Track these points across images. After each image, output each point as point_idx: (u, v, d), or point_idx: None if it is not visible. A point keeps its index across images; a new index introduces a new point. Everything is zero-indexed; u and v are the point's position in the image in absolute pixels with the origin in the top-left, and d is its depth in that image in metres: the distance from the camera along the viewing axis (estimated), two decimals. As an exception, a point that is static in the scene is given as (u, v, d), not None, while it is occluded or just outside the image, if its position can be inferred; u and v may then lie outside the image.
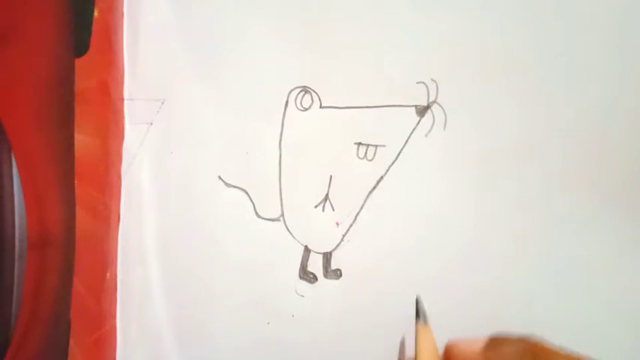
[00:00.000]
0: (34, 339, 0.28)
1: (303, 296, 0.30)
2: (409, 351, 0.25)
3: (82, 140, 0.29)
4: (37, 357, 0.28)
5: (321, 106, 0.29)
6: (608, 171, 0.28)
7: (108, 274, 0.30)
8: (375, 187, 0.29)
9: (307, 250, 0.30)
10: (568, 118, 0.28)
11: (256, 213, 0.30)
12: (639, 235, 0.28)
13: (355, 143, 0.29)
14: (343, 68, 0.29)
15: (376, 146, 0.29)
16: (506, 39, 0.28)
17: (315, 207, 0.30)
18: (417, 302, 0.24)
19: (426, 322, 0.23)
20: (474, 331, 0.22)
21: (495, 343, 0.21)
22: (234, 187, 0.30)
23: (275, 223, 0.30)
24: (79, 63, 0.29)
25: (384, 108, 0.29)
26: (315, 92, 0.29)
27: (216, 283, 0.30)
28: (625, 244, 0.28)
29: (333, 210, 0.30)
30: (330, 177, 0.30)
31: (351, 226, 0.29)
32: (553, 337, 0.19)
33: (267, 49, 0.30)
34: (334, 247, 0.30)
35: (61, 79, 0.29)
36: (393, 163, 0.29)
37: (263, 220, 0.30)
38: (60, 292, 0.29)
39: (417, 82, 0.29)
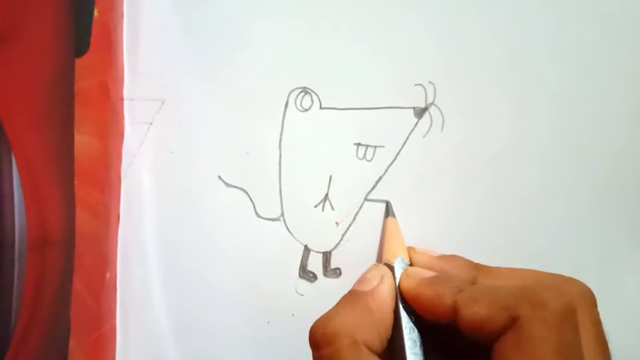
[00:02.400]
0: (34, 339, 0.28)
1: (302, 295, 0.30)
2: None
3: (82, 140, 0.29)
4: (37, 357, 0.28)
5: (321, 107, 0.30)
6: (605, 171, 0.28)
7: (108, 274, 0.30)
8: (374, 187, 0.29)
9: (307, 250, 0.30)
10: (565, 119, 0.28)
11: (256, 213, 0.30)
12: (635, 235, 0.28)
13: (355, 144, 0.30)
14: (343, 70, 0.29)
15: (375, 147, 0.29)
16: (503, 41, 0.28)
17: (315, 207, 0.30)
18: (387, 205, 0.29)
19: (394, 216, 0.29)
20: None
21: (448, 255, 0.26)
22: (234, 187, 0.30)
23: (275, 222, 0.30)
24: (79, 63, 0.29)
25: (383, 109, 0.29)
26: (315, 93, 0.30)
27: (216, 282, 0.30)
28: (621, 243, 0.28)
29: (333, 210, 0.30)
30: (330, 177, 0.30)
31: (350, 225, 0.30)
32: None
33: (267, 50, 0.30)
34: (334, 246, 0.30)
35: (61, 79, 0.29)
36: (391, 164, 0.29)
37: (263, 220, 0.30)
38: (60, 292, 0.29)
39: (415, 85, 0.29)
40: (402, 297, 0.24)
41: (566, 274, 0.23)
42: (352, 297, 0.24)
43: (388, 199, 0.29)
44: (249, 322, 0.30)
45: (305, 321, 0.30)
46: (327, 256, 0.30)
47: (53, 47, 0.29)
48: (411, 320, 0.23)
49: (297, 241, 0.30)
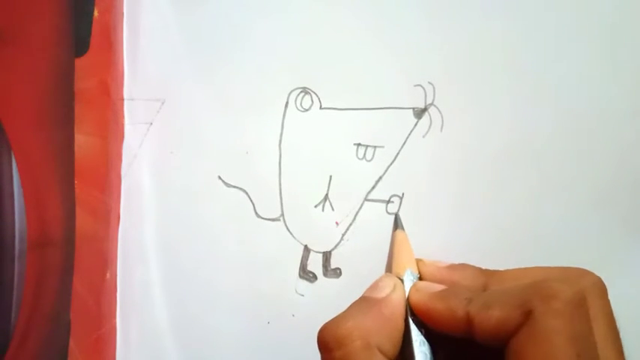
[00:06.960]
0: (34, 339, 0.28)
1: (303, 295, 0.30)
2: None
3: (82, 140, 0.29)
4: (37, 357, 0.28)
5: (321, 107, 0.30)
6: (605, 171, 0.28)
7: (108, 274, 0.30)
8: (374, 187, 0.30)
9: (307, 250, 0.30)
10: (564, 119, 0.28)
11: (256, 213, 0.30)
12: (632, 234, 0.28)
13: (355, 144, 0.30)
14: (343, 70, 0.29)
15: (375, 147, 0.29)
16: (502, 41, 0.28)
17: (315, 207, 0.30)
18: (396, 217, 0.29)
19: (402, 229, 0.29)
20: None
21: (457, 265, 0.26)
22: (234, 187, 0.30)
23: (275, 222, 0.30)
24: (79, 63, 0.29)
25: (383, 110, 0.29)
26: (315, 93, 0.30)
27: (216, 282, 0.30)
28: (620, 243, 0.28)
29: (333, 210, 0.30)
30: (330, 177, 0.30)
31: (350, 225, 0.30)
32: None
33: (267, 50, 0.30)
34: (334, 246, 0.30)
35: (61, 79, 0.29)
36: (391, 164, 0.29)
37: (263, 220, 0.30)
38: (60, 292, 0.29)
39: (415, 85, 0.29)
40: (411, 311, 0.24)
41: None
42: (364, 302, 0.24)
43: (397, 213, 0.29)
44: (249, 322, 0.30)
45: (305, 321, 0.30)
46: (327, 256, 0.30)
47: (53, 47, 0.29)
48: (421, 333, 0.23)
49: (297, 241, 0.30)
